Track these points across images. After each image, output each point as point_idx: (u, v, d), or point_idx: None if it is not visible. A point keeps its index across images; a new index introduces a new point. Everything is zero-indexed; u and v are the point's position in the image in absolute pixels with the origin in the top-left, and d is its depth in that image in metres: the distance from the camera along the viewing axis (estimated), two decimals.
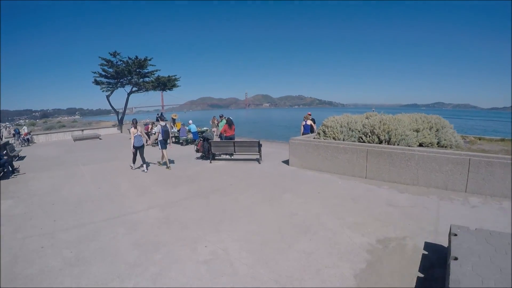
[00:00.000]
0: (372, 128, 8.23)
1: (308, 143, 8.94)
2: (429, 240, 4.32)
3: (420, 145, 8.11)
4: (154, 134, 13.00)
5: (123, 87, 28.06)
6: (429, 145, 8.17)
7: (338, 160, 8.23)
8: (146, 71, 27.72)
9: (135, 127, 9.46)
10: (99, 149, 16.43)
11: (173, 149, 12.39)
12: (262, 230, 4.90)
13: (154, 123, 19.14)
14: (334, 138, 8.76)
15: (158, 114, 30.04)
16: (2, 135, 22.70)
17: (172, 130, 18.46)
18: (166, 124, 10.28)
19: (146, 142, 10.19)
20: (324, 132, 9.15)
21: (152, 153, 12.15)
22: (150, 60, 27.32)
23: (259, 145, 10.20)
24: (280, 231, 4.82)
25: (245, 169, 9.40)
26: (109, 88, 27.09)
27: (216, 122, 17.98)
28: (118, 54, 25.86)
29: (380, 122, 8.15)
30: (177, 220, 5.47)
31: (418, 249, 4.10)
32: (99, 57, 25.68)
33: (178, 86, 29.84)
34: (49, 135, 22.95)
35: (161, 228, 5.12)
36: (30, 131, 23.25)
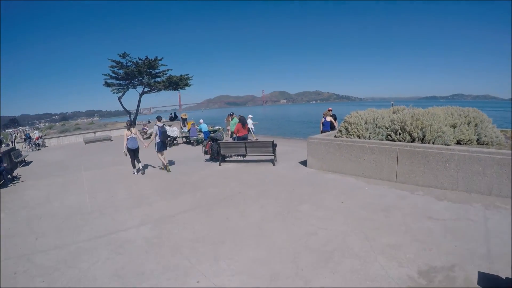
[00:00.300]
0: (402, 124, 7.07)
1: (328, 142, 7.89)
2: (483, 269, 3.33)
3: (458, 142, 7.05)
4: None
5: (135, 88, 27.67)
6: (468, 142, 7.07)
7: (363, 161, 7.17)
8: (157, 71, 27.17)
9: (129, 129, 8.90)
10: (107, 152, 15.94)
11: (182, 151, 11.63)
12: (272, 257, 3.90)
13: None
14: (358, 136, 7.67)
15: (171, 114, 29.67)
16: (14, 140, 22.77)
17: (182, 130, 17.87)
18: (163, 124, 9.50)
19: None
20: (346, 129, 8.05)
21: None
22: (160, 60, 26.72)
23: (274, 145, 9.23)
24: (295, 259, 3.80)
25: (257, 173, 8.45)
26: (120, 89, 26.72)
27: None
28: (127, 55, 25.41)
29: (412, 117, 6.98)
30: (170, 241, 4.59)
31: (472, 283, 3.13)
32: (109, 59, 25.30)
33: (190, 85, 29.13)
34: (60, 138, 22.93)
35: (149, 253, 4.24)
36: (43, 135, 23.23)
